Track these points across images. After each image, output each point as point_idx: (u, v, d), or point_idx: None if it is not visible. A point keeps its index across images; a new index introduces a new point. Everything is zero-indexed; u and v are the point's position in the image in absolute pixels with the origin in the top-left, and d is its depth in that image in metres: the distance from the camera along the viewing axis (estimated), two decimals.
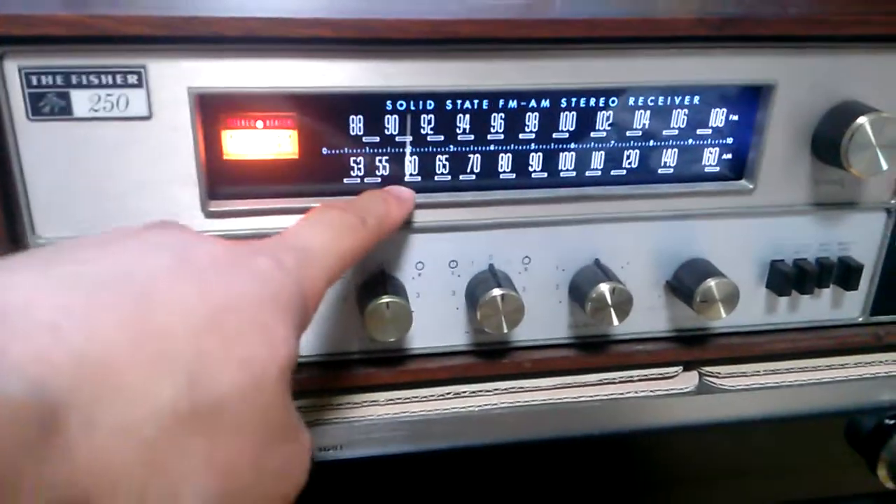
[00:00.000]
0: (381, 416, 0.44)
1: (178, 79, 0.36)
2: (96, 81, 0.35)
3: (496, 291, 0.41)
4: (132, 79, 0.35)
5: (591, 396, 0.47)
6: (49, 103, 0.35)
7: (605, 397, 0.47)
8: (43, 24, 0.33)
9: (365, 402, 0.44)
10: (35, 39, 0.34)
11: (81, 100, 0.35)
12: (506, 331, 0.42)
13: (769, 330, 0.49)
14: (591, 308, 0.43)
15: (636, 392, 0.47)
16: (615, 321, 0.43)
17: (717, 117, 0.44)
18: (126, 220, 0.38)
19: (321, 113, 0.39)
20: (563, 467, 0.48)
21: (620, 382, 0.47)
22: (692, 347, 0.48)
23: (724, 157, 0.45)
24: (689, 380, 0.48)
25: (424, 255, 0.43)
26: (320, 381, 0.43)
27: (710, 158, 0.45)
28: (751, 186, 0.45)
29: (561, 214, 0.43)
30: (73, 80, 0.35)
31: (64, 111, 0.35)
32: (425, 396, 0.45)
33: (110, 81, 0.35)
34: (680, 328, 0.48)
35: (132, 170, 0.37)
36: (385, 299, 0.40)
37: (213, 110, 0.38)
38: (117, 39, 0.34)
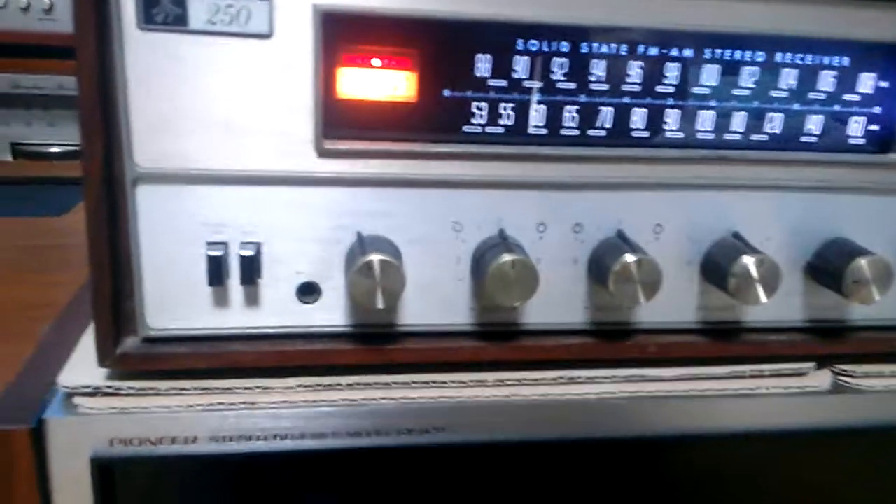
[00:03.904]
0: (489, 398, 0.39)
1: None
2: None
3: (630, 257, 0.37)
4: None
5: (718, 390, 0.42)
6: (164, 10, 0.32)
7: (734, 392, 0.42)
8: None
9: (472, 381, 0.39)
10: None
11: (199, 9, 0.32)
12: (643, 301, 0.37)
13: None
14: (734, 284, 0.38)
15: (767, 388, 0.42)
16: (763, 298, 0.38)
17: (866, 83, 0.40)
18: (231, 151, 0.34)
19: (445, 49, 0.36)
20: (681, 466, 0.43)
21: (751, 377, 0.42)
22: (827, 341, 0.43)
23: (871, 128, 0.41)
24: (822, 378, 0.43)
25: (547, 215, 0.38)
26: (424, 354, 0.39)
27: (856, 129, 0.41)
28: None
29: (697, 177, 0.39)
30: None
31: (179, 20, 0.32)
32: (536, 380, 0.40)
33: None
34: (815, 319, 0.43)
35: (245, 95, 0.34)
36: (510, 257, 0.36)
37: (334, 38, 0.34)
38: None
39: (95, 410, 0.35)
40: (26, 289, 0.49)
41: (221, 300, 0.36)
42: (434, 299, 0.39)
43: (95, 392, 0.36)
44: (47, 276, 0.51)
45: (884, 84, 0.40)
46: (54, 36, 0.99)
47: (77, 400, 0.36)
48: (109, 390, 0.36)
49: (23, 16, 0.99)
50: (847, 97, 0.40)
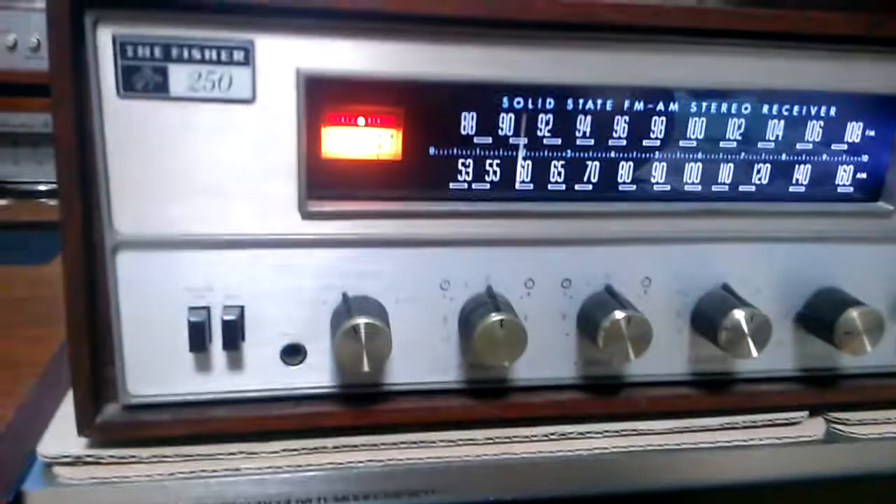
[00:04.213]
0: (479, 456, 0.38)
1: (286, 58, 0.32)
2: (198, 56, 0.31)
3: (619, 314, 0.36)
4: (238, 55, 0.32)
5: (711, 442, 0.41)
6: (144, 78, 0.31)
7: (727, 444, 0.41)
8: None
9: (461, 440, 0.39)
10: (134, 3, 0.30)
11: (180, 76, 0.31)
12: (632, 357, 0.37)
13: None
14: (725, 338, 0.38)
15: (760, 439, 0.42)
16: (754, 353, 0.38)
17: (853, 132, 0.40)
18: (214, 216, 0.34)
19: (430, 107, 0.35)
20: None
21: (744, 428, 0.42)
22: (820, 389, 0.43)
23: (859, 176, 0.41)
24: (816, 427, 0.43)
25: (534, 271, 0.38)
26: (413, 414, 0.38)
27: (844, 178, 0.41)
28: (890, 208, 0.41)
29: (685, 231, 0.39)
30: (173, 53, 0.31)
31: (159, 88, 0.31)
32: (528, 437, 0.40)
33: (214, 57, 0.32)
34: (806, 368, 0.43)
35: (227, 159, 0.33)
36: (498, 316, 0.35)
37: (317, 100, 0.34)
38: (226, 9, 0.31)
39: (75, 481, 0.34)
40: (10, 344, 0.48)
41: (204, 365, 0.36)
42: (422, 358, 0.38)
43: (76, 461, 0.35)
44: (32, 330, 0.50)
45: (870, 133, 0.40)
46: (42, 74, 0.98)
47: (57, 470, 0.35)
48: (90, 459, 0.35)
49: (10, 55, 0.99)
50: (834, 146, 0.40)
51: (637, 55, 0.35)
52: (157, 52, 0.31)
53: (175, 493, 0.35)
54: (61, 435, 0.36)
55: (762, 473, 0.42)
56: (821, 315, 0.40)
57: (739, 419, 0.42)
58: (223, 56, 0.32)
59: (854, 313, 0.39)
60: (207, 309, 0.35)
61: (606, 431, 0.40)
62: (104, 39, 0.31)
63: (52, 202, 0.95)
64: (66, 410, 0.38)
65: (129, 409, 0.36)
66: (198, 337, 0.34)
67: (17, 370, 0.44)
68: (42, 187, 1.01)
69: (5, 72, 0.98)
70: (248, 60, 0.32)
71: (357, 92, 0.35)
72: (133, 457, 0.35)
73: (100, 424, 0.35)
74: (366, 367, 0.34)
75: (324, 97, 0.34)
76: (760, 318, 0.37)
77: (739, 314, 0.37)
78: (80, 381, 0.34)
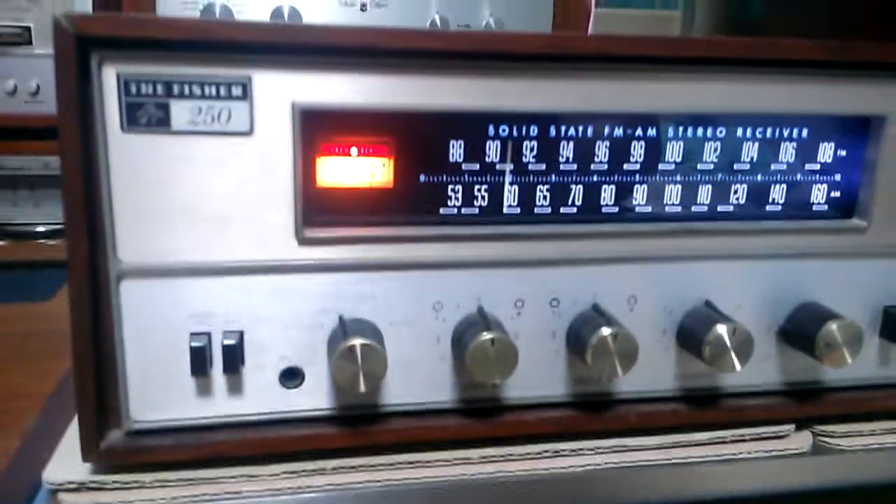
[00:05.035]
0: (474, 475, 0.39)
1: (282, 92, 0.34)
2: (198, 92, 0.33)
3: (606, 330, 0.38)
4: (237, 90, 0.33)
5: (701, 457, 0.42)
6: (147, 114, 0.33)
7: (717, 458, 0.42)
8: (150, 27, 0.31)
9: (457, 459, 0.40)
10: (137, 44, 0.32)
11: (181, 111, 0.33)
12: (620, 373, 0.38)
13: (883, 384, 0.46)
14: (709, 353, 0.39)
15: (749, 452, 0.43)
16: (737, 366, 0.39)
17: (826, 152, 0.42)
18: (214, 244, 0.35)
19: (419, 137, 0.37)
20: None
21: (732, 442, 0.43)
22: (805, 402, 0.44)
23: (833, 194, 0.43)
24: (802, 440, 0.44)
25: (524, 292, 0.39)
26: (409, 434, 0.39)
27: (819, 196, 0.43)
28: (864, 224, 0.42)
29: (667, 250, 0.40)
30: (175, 89, 0.33)
31: (161, 123, 0.33)
32: (521, 455, 0.41)
33: (213, 93, 0.33)
34: (791, 381, 0.44)
35: (225, 191, 0.35)
36: (489, 335, 0.36)
37: (312, 131, 0.35)
38: (225, 47, 0.33)
39: None
40: (11, 378, 0.49)
41: (205, 390, 0.37)
42: (417, 378, 0.39)
43: (80, 487, 0.36)
44: (33, 365, 0.51)
45: (842, 153, 0.42)
46: (40, 118, 1.00)
47: (62, 496, 0.36)
48: (94, 485, 0.36)
49: (9, 99, 1.01)
50: (808, 167, 0.42)
51: (616, 84, 0.37)
52: (160, 88, 0.33)
53: None
54: (66, 462, 0.37)
55: (751, 486, 0.43)
56: (802, 329, 0.42)
57: (728, 433, 0.43)
58: (222, 91, 0.33)
59: (833, 326, 0.40)
60: (208, 334, 0.36)
61: (598, 448, 0.41)
62: (109, 77, 0.32)
63: (51, 242, 0.97)
64: (71, 438, 0.39)
65: (132, 435, 0.36)
66: (199, 362, 0.36)
67: (21, 402, 0.45)
68: (40, 228, 1.03)
69: (4, 116, 1.00)
70: (245, 95, 0.34)
71: (350, 123, 0.36)
72: (136, 482, 0.36)
73: (104, 450, 0.36)
74: (362, 388, 0.35)
75: (318, 129, 0.36)
76: (742, 333, 0.39)
77: (722, 329, 0.39)
78: (85, 407, 0.35)
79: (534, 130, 0.38)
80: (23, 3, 0.99)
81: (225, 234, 0.35)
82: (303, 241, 0.36)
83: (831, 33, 0.39)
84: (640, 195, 0.40)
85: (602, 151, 0.39)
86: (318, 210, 0.37)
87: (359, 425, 0.39)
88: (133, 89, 0.33)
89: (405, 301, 0.38)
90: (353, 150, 0.37)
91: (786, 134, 0.41)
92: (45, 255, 0.87)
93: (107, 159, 0.33)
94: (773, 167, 0.41)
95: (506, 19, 1.09)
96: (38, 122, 1.00)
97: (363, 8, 1.01)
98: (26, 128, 1.00)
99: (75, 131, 0.32)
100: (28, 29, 1.00)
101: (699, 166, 0.40)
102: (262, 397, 0.38)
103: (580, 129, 0.38)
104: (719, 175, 0.41)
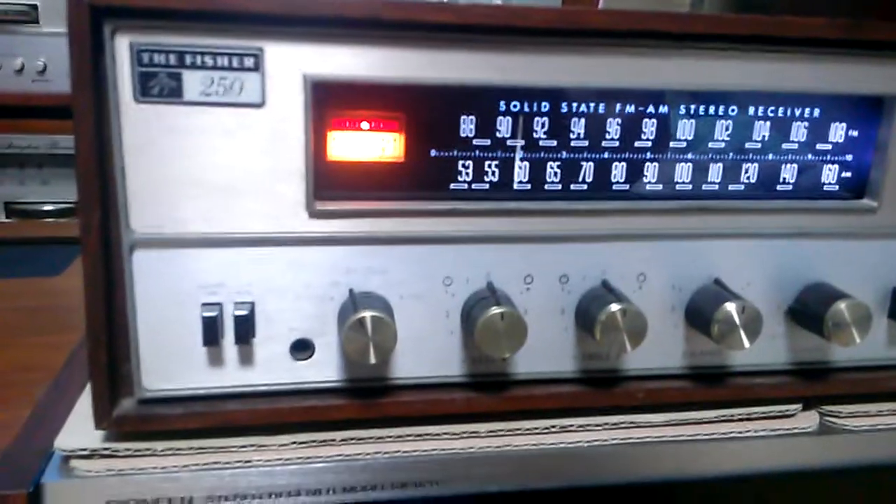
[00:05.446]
0: (481, 448, 0.40)
1: (294, 64, 0.34)
2: (211, 63, 0.33)
3: (615, 306, 0.38)
4: (249, 62, 0.33)
5: (708, 434, 0.42)
6: (159, 84, 0.33)
7: (723, 436, 0.42)
8: None
9: (465, 432, 0.40)
10: (150, 13, 0.32)
11: (193, 82, 0.33)
12: (629, 349, 0.38)
13: (891, 365, 0.46)
14: (718, 331, 0.39)
15: (755, 431, 0.43)
16: (746, 343, 0.39)
17: (837, 132, 0.42)
18: (226, 215, 0.35)
19: (431, 111, 0.37)
20: None
21: (739, 420, 0.43)
22: (812, 382, 0.44)
23: (844, 175, 0.43)
24: (809, 419, 0.44)
25: (533, 268, 0.40)
26: (417, 407, 0.39)
27: (829, 176, 0.42)
28: (874, 205, 0.42)
29: (677, 228, 0.40)
30: (187, 60, 0.33)
31: (174, 93, 0.33)
32: (529, 429, 0.41)
33: (226, 63, 0.33)
34: (799, 361, 0.44)
35: (238, 161, 0.35)
36: (499, 310, 0.37)
37: (323, 104, 0.36)
38: (237, 18, 0.33)
39: (92, 473, 0.36)
40: (23, 351, 0.49)
41: (216, 360, 0.37)
42: (426, 352, 0.40)
43: (92, 454, 0.36)
44: (43, 338, 0.51)
45: (853, 133, 0.42)
46: (48, 97, 1.00)
47: (74, 462, 0.36)
48: (106, 452, 0.36)
49: (17, 78, 1.01)
50: (819, 146, 0.42)
51: (628, 59, 0.37)
52: (172, 59, 0.33)
53: (188, 484, 0.36)
54: (78, 430, 0.37)
55: (757, 464, 0.43)
56: (810, 308, 0.42)
57: (735, 412, 0.43)
58: (234, 62, 0.33)
59: (842, 305, 0.40)
60: (220, 305, 0.36)
61: (605, 424, 0.42)
62: (122, 47, 0.32)
63: (59, 221, 0.97)
64: (82, 407, 0.39)
65: (144, 403, 0.37)
66: (211, 331, 0.36)
67: (32, 374, 0.45)
68: (47, 207, 1.03)
69: (12, 94, 1.00)
70: (257, 66, 0.34)
71: (361, 97, 0.36)
72: (148, 449, 0.36)
73: (116, 418, 0.36)
74: (372, 359, 0.35)
75: (330, 102, 0.36)
76: (751, 310, 0.39)
77: (731, 306, 0.39)
78: (98, 376, 0.35)
79: (545, 106, 0.38)
80: None
81: (236, 206, 0.35)
82: (314, 214, 0.36)
83: (849, 12, 0.39)
84: (650, 172, 0.40)
85: (613, 128, 0.39)
86: (329, 183, 0.37)
87: (368, 398, 0.39)
88: (146, 59, 0.33)
89: (415, 275, 0.38)
90: (365, 125, 0.37)
91: (797, 113, 0.41)
92: (53, 232, 0.87)
93: (119, 130, 0.33)
94: (784, 146, 0.41)
95: None
96: (46, 101, 1.00)
97: None
98: (34, 106, 1.00)
99: (88, 101, 0.32)
100: (35, 7, 1.00)
101: (710, 144, 0.40)
102: (272, 368, 0.38)
103: (591, 105, 0.38)
104: (730, 154, 0.41)
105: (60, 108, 0.99)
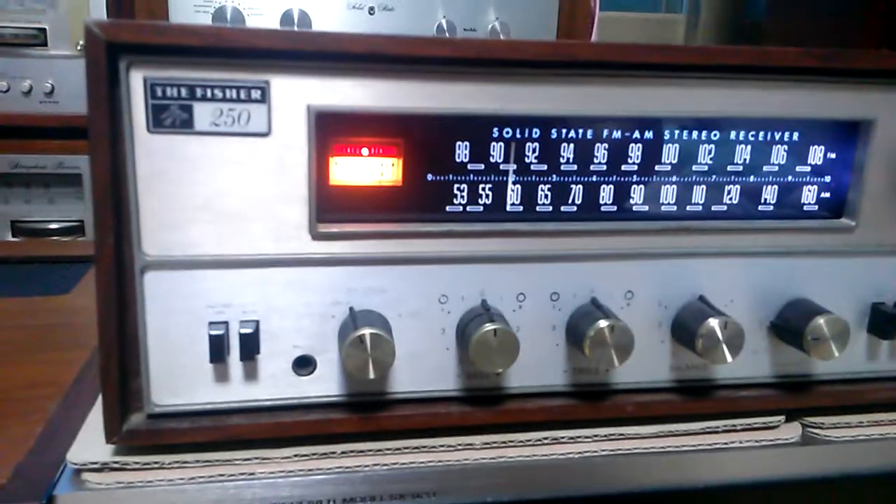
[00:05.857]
0: (476, 460, 0.41)
1: (298, 96, 0.36)
2: (220, 95, 0.35)
3: (603, 323, 0.40)
4: (256, 94, 0.36)
5: (694, 446, 0.44)
6: (171, 115, 0.35)
7: (709, 447, 0.44)
8: (175, 34, 0.34)
9: (460, 444, 0.42)
10: (163, 49, 0.34)
11: (204, 113, 0.35)
12: (616, 364, 0.40)
13: (871, 378, 0.47)
14: (701, 345, 0.41)
15: (740, 442, 0.45)
16: (728, 358, 0.41)
17: (816, 155, 0.44)
18: (232, 238, 0.37)
19: (427, 138, 0.39)
20: None
21: (724, 432, 0.45)
22: (795, 394, 0.46)
23: (823, 195, 0.45)
24: (792, 430, 0.46)
25: (525, 286, 0.41)
26: (415, 420, 0.41)
27: (809, 197, 0.44)
28: (852, 224, 0.44)
29: (663, 247, 0.42)
30: (198, 93, 0.35)
31: (185, 124, 0.35)
32: (522, 441, 0.43)
33: (234, 96, 0.35)
34: (782, 374, 0.46)
35: (243, 188, 0.37)
36: (492, 326, 0.38)
37: (326, 132, 0.38)
38: (245, 53, 0.35)
39: (103, 485, 0.37)
40: (34, 368, 0.51)
41: (222, 376, 0.39)
42: (423, 368, 0.41)
43: (103, 467, 0.38)
44: (53, 355, 0.53)
45: (832, 155, 0.44)
46: (55, 118, 1.03)
47: (85, 475, 0.38)
48: (116, 465, 0.38)
49: (25, 99, 1.04)
50: (798, 168, 0.44)
51: (615, 89, 0.39)
52: (184, 92, 0.35)
53: (195, 496, 0.38)
54: (89, 444, 0.39)
55: (742, 474, 0.45)
56: (791, 323, 0.43)
57: (720, 423, 0.45)
58: (242, 95, 0.35)
59: (821, 321, 0.42)
60: (226, 323, 0.38)
61: (595, 436, 0.43)
62: (136, 81, 0.34)
63: (65, 239, 0.99)
64: (93, 422, 0.41)
65: (152, 418, 0.39)
66: (217, 349, 0.38)
67: (45, 390, 0.47)
68: (54, 225, 1.05)
69: (20, 115, 1.03)
70: (264, 98, 0.36)
71: (361, 125, 0.38)
72: (156, 463, 0.38)
73: (126, 432, 0.38)
74: (371, 375, 0.37)
75: (332, 130, 0.38)
76: (734, 326, 0.41)
77: (714, 322, 0.41)
78: (109, 391, 0.37)
79: (536, 133, 0.40)
80: (38, 6, 1.01)
81: (243, 229, 0.37)
82: (316, 236, 0.38)
83: (834, 34, 0.41)
84: (637, 195, 0.42)
85: (601, 153, 0.41)
86: (330, 207, 0.39)
87: (367, 411, 0.41)
88: (159, 92, 0.35)
89: (412, 294, 0.40)
90: (365, 151, 0.39)
91: (777, 137, 0.43)
92: (59, 250, 0.89)
93: (133, 158, 0.35)
94: (765, 169, 0.43)
95: (511, 23, 1.11)
96: (53, 122, 1.03)
97: (371, 11, 1.03)
98: (41, 127, 1.03)
99: (104, 131, 0.34)
100: (43, 30, 1.03)
101: (694, 168, 0.42)
102: (275, 384, 0.40)
103: (580, 131, 0.40)
104: (713, 176, 0.43)
105: (67, 129, 1.01)
